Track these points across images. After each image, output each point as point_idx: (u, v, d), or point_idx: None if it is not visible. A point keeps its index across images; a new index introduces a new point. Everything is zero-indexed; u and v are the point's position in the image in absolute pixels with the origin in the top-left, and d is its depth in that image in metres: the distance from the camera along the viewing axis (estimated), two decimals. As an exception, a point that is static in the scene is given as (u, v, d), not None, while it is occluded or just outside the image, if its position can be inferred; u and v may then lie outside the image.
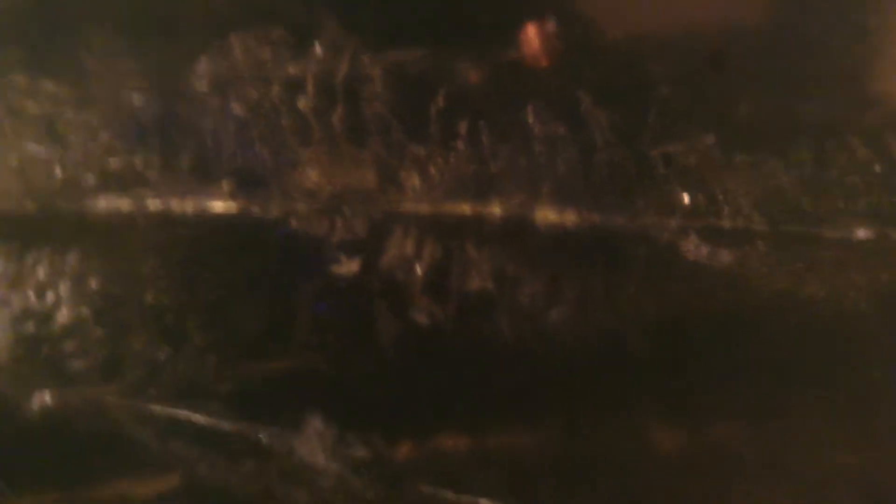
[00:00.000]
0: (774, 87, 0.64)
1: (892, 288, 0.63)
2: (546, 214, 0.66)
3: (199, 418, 0.68)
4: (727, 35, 0.64)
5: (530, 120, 0.65)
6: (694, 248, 0.64)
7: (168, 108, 0.68)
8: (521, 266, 0.66)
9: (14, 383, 0.71)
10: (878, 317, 0.63)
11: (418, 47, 0.66)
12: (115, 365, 0.70)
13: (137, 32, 0.67)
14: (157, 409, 0.69)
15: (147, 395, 0.69)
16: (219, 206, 0.69)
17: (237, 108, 0.67)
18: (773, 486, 0.67)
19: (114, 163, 0.69)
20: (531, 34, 0.65)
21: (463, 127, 0.65)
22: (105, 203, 0.70)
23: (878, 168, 0.63)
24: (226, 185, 0.68)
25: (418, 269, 0.67)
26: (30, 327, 0.70)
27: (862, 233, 0.63)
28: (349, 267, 0.67)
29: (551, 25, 0.64)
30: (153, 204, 0.69)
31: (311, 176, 0.68)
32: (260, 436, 0.68)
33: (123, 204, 0.70)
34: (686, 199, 0.64)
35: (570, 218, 0.66)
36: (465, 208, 0.67)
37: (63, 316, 0.70)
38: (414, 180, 0.67)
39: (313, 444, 0.66)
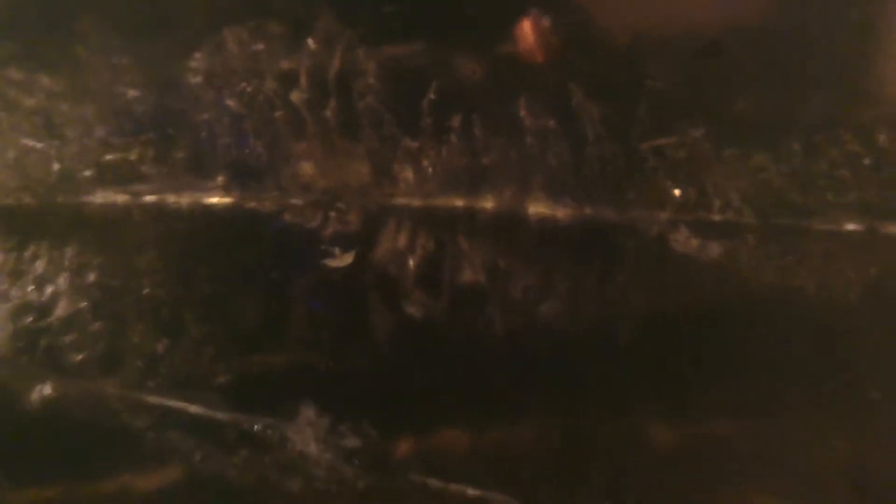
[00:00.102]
0: (765, 81, 0.64)
1: (880, 280, 0.64)
2: (538, 207, 0.67)
3: (195, 409, 0.69)
4: (718, 30, 0.64)
5: (522, 113, 0.65)
6: (684, 240, 0.65)
7: (163, 102, 0.69)
8: (512, 259, 0.67)
9: (13, 375, 0.71)
10: (867, 309, 0.64)
11: (413, 41, 0.66)
12: (113, 357, 0.71)
13: (133, 27, 0.68)
14: (154, 400, 0.70)
15: (144, 387, 0.70)
16: (214, 199, 0.69)
17: (231, 103, 0.68)
18: (765, 478, 0.67)
19: (110, 157, 0.70)
20: (527, 29, 0.65)
21: (456, 120, 0.66)
22: (102, 197, 0.70)
23: (867, 161, 0.63)
24: (220, 179, 0.69)
25: (411, 262, 0.67)
26: (29, 320, 0.71)
27: (851, 226, 0.64)
28: (343, 260, 0.68)
29: (546, 20, 0.65)
30: (149, 198, 0.70)
31: (306, 169, 0.68)
32: (255, 426, 0.69)
33: (120, 198, 0.70)
34: (677, 192, 0.65)
35: (561, 211, 0.66)
36: (458, 202, 0.68)
37: (61, 308, 0.71)
38: (407, 174, 0.68)
39: (307, 433, 0.67)
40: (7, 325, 0.71)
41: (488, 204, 0.67)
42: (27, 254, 0.71)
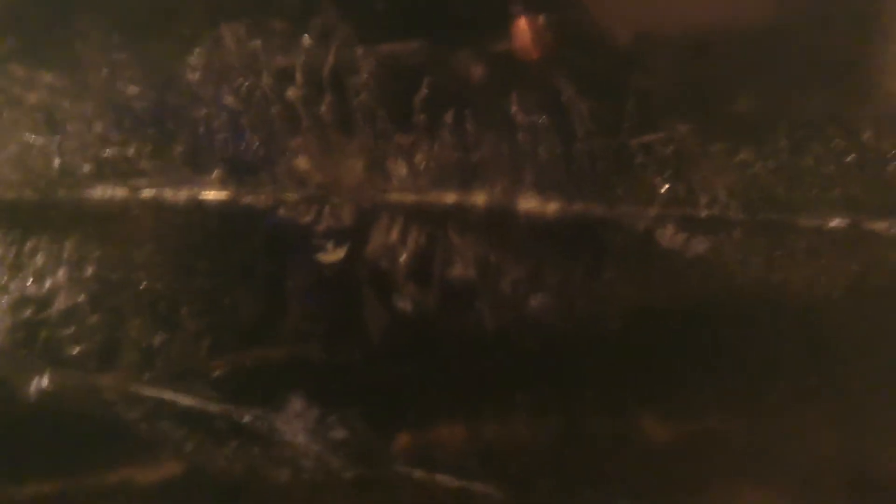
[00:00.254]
0: (752, 79, 0.65)
1: (865, 275, 0.64)
2: (528, 203, 0.68)
3: (188, 401, 0.70)
4: (707, 28, 0.65)
5: (513, 110, 0.66)
6: (671, 236, 0.65)
7: (162, 98, 0.70)
8: (503, 253, 0.68)
9: (12, 368, 0.72)
10: (851, 303, 0.64)
11: (408, 39, 0.67)
12: (111, 350, 0.72)
13: (132, 25, 0.69)
14: (149, 392, 0.71)
15: (140, 379, 0.71)
16: (210, 194, 0.70)
17: (229, 99, 0.69)
18: (755, 473, 0.68)
19: (109, 152, 0.71)
20: (522, 27, 0.66)
21: (448, 117, 0.67)
22: (101, 192, 0.72)
23: (852, 158, 0.64)
24: (217, 174, 0.70)
25: (403, 257, 0.68)
26: (28, 313, 0.72)
27: (836, 221, 0.64)
28: (335, 254, 0.69)
29: (542, 18, 0.66)
30: (147, 192, 0.71)
31: (301, 165, 0.70)
32: (245, 417, 0.70)
33: (119, 192, 0.71)
34: (664, 187, 0.66)
35: (551, 206, 0.67)
36: (450, 197, 0.69)
37: (60, 301, 0.72)
38: (400, 169, 0.69)
39: (296, 425, 0.68)
40: (6, 318, 0.72)
41: (480, 199, 0.68)
42: (27, 247, 0.72)
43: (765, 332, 0.66)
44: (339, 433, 0.69)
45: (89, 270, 0.71)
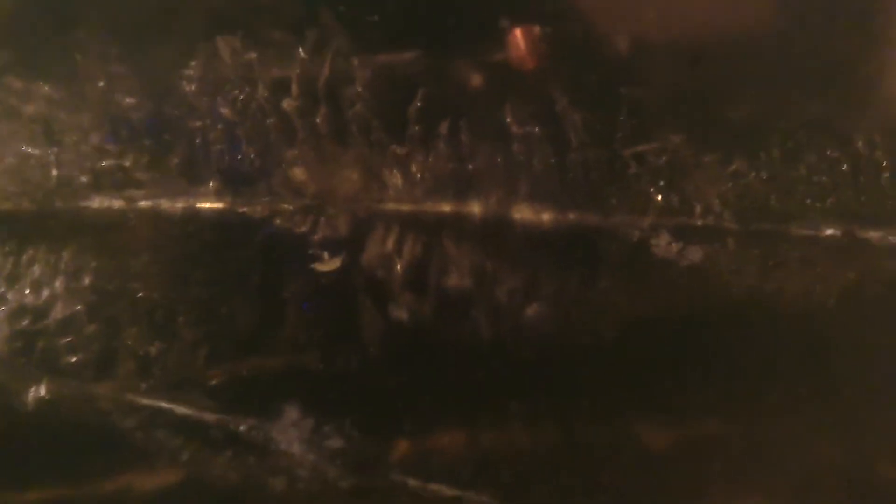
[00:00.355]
0: (744, 88, 0.66)
1: (858, 284, 0.65)
2: (523, 212, 0.68)
3: (184, 410, 0.70)
4: (699, 39, 0.65)
5: (508, 120, 0.67)
6: (665, 245, 0.66)
7: (158, 109, 0.70)
8: (498, 263, 0.68)
9: (10, 377, 0.73)
10: (845, 312, 0.65)
11: (403, 50, 0.68)
12: (108, 359, 0.72)
13: (129, 36, 0.70)
14: (145, 401, 0.71)
15: (137, 389, 0.71)
16: (206, 204, 0.71)
17: (225, 110, 0.69)
18: (751, 479, 0.68)
19: (106, 163, 0.71)
20: (518, 38, 0.67)
21: (443, 127, 0.67)
22: (98, 203, 0.72)
23: (845, 167, 0.64)
24: (213, 185, 0.70)
25: (399, 267, 0.69)
26: (25, 322, 0.72)
27: (830, 230, 0.65)
28: (331, 264, 0.69)
29: (537, 29, 0.66)
30: (144, 203, 0.72)
31: (297, 175, 0.70)
32: (241, 427, 0.70)
33: (116, 203, 0.72)
34: (658, 197, 0.66)
35: (546, 216, 0.68)
36: (445, 207, 0.69)
37: (57, 311, 0.72)
38: (396, 179, 0.69)
39: (292, 434, 0.68)
40: (4, 327, 0.72)
41: (475, 209, 0.69)
42: (25, 257, 0.72)
43: (759, 340, 0.66)
44: (335, 442, 0.69)
45: (86, 280, 0.72)
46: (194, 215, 0.71)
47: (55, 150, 0.71)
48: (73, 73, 0.70)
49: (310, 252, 0.69)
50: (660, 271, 0.66)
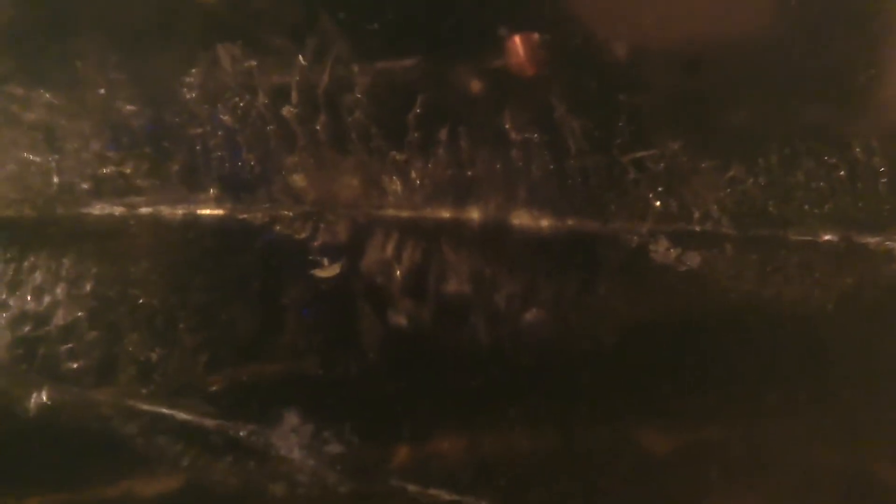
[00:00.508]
0: (742, 95, 0.66)
1: (856, 289, 0.65)
2: (522, 219, 0.68)
3: (185, 416, 0.71)
4: (697, 46, 0.66)
5: (507, 127, 0.67)
6: (664, 251, 0.66)
7: (159, 116, 0.71)
8: (497, 268, 0.68)
9: (11, 383, 0.73)
10: (842, 317, 0.65)
11: (404, 57, 0.68)
12: (109, 365, 0.72)
13: (130, 44, 0.70)
14: (146, 407, 0.71)
15: (138, 395, 0.71)
16: (207, 211, 0.71)
17: (225, 117, 0.70)
18: (750, 483, 0.68)
19: (107, 170, 0.72)
20: (518, 44, 0.67)
21: (442, 133, 0.67)
22: (99, 209, 0.72)
23: (842, 173, 0.64)
24: (213, 192, 0.71)
25: (398, 272, 0.69)
26: (27, 329, 0.73)
27: (827, 236, 0.65)
28: (331, 270, 0.69)
29: (536, 36, 0.66)
30: (145, 209, 0.72)
31: (296, 182, 0.70)
32: (241, 432, 0.70)
33: (116, 210, 0.72)
34: (657, 203, 0.66)
35: (545, 222, 0.68)
36: (444, 213, 0.69)
37: (59, 318, 0.72)
38: (395, 186, 0.69)
39: (292, 440, 0.69)
40: (6, 334, 0.72)
41: (474, 215, 0.69)
42: (26, 264, 0.72)
43: (758, 345, 0.66)
44: (334, 447, 0.69)
45: (87, 287, 0.72)
46: (195, 222, 0.71)
47: (56, 157, 0.71)
48: (73, 81, 0.70)
49: (310, 258, 0.70)
50: (658, 277, 0.66)
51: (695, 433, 0.69)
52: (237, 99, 0.69)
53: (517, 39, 0.67)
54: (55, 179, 0.72)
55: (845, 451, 0.68)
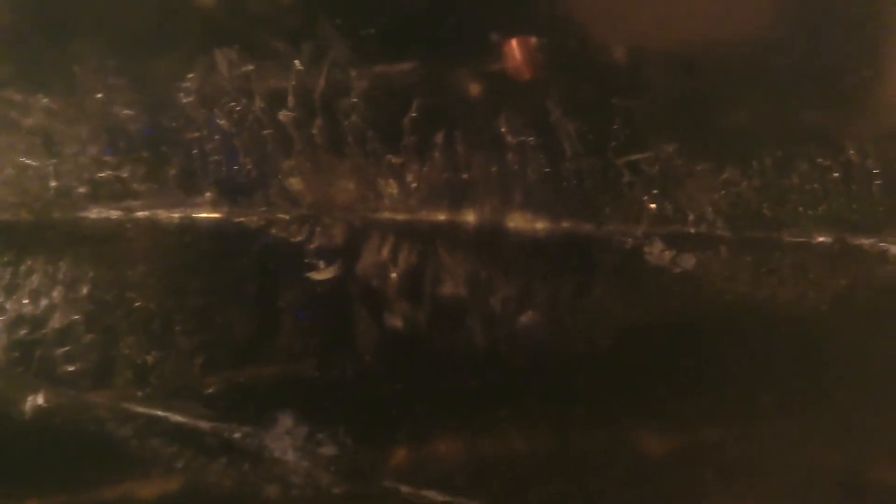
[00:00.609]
0: (737, 98, 0.66)
1: (850, 291, 0.65)
2: (517, 221, 0.68)
3: (180, 418, 0.71)
4: (692, 49, 0.66)
5: (503, 130, 0.67)
6: (658, 253, 0.66)
7: (156, 121, 0.71)
8: (493, 271, 0.69)
9: (8, 386, 0.73)
10: (837, 318, 0.65)
11: (401, 60, 0.68)
12: (105, 368, 0.72)
13: (128, 49, 0.70)
14: (142, 410, 0.71)
15: (134, 397, 0.72)
16: (203, 214, 0.71)
17: (222, 122, 0.70)
18: (744, 487, 0.68)
19: (104, 174, 0.72)
20: (515, 48, 0.67)
21: (438, 137, 0.68)
22: (96, 213, 0.72)
23: (836, 175, 0.65)
24: (209, 195, 0.71)
25: (394, 275, 0.69)
26: (23, 332, 0.73)
27: (821, 238, 0.65)
28: (327, 273, 0.69)
29: (533, 39, 0.67)
30: (142, 213, 0.72)
31: (293, 185, 0.70)
32: (235, 434, 0.70)
33: (113, 214, 0.72)
34: (652, 206, 0.66)
35: (540, 225, 0.68)
36: (440, 216, 0.69)
37: (56, 321, 0.72)
38: (391, 189, 0.70)
39: (286, 442, 0.69)
40: (2, 337, 0.72)
41: (470, 218, 0.69)
42: (23, 267, 0.73)
43: (753, 346, 0.66)
44: (328, 449, 0.69)
45: (84, 290, 0.72)
46: (191, 225, 0.71)
47: (54, 161, 0.72)
48: (71, 86, 0.70)
49: (306, 261, 0.70)
50: (653, 279, 0.67)
51: (690, 435, 0.69)
52: (234, 103, 0.69)
53: (514, 43, 0.67)
54: (52, 183, 0.72)
55: (841, 451, 0.68)
